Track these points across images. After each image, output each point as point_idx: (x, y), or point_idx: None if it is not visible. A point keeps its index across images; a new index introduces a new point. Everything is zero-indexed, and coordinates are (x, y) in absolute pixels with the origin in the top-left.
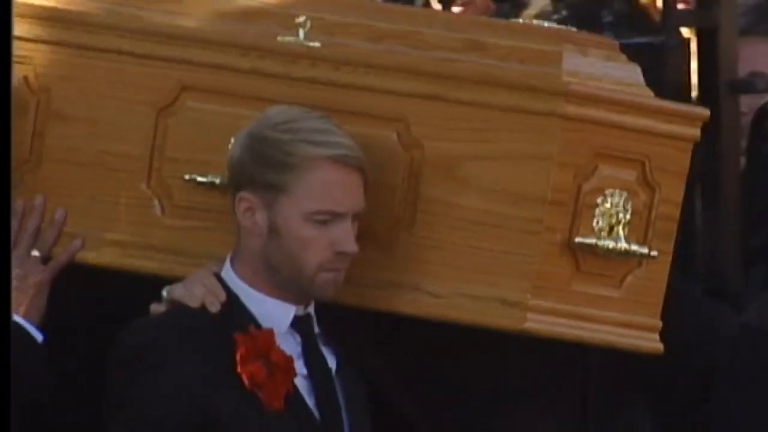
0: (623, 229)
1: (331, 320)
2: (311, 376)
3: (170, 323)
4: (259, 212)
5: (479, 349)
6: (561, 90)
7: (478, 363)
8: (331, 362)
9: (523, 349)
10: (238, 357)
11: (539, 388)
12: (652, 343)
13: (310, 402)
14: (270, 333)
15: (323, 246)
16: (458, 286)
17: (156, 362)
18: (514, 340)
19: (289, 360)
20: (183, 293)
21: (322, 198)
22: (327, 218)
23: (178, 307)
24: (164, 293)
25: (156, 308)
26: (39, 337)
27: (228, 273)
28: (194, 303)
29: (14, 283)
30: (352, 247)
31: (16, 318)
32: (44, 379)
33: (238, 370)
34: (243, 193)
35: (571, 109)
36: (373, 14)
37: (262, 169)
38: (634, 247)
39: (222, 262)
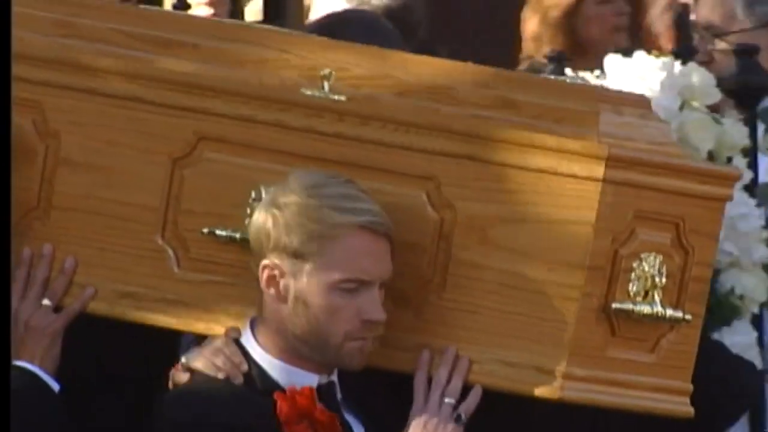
0: (659, 293)
1: (354, 386)
2: None
3: (208, 398)
4: (284, 280)
5: (499, 407)
6: (601, 154)
7: (497, 421)
8: (357, 429)
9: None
10: (282, 418)
11: None
12: (683, 407)
13: None
14: (310, 391)
15: (350, 315)
16: (491, 351)
17: None
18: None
19: (333, 418)
20: (205, 364)
21: (349, 266)
22: (354, 286)
23: (203, 378)
24: (184, 360)
25: (178, 376)
26: (55, 386)
27: (249, 341)
28: (218, 374)
29: (25, 332)
30: (379, 315)
31: (32, 367)
32: (62, 428)
33: (284, 431)
34: (267, 261)
35: (610, 174)
36: (400, 67)
37: (286, 237)
38: (670, 312)
39: (241, 320)
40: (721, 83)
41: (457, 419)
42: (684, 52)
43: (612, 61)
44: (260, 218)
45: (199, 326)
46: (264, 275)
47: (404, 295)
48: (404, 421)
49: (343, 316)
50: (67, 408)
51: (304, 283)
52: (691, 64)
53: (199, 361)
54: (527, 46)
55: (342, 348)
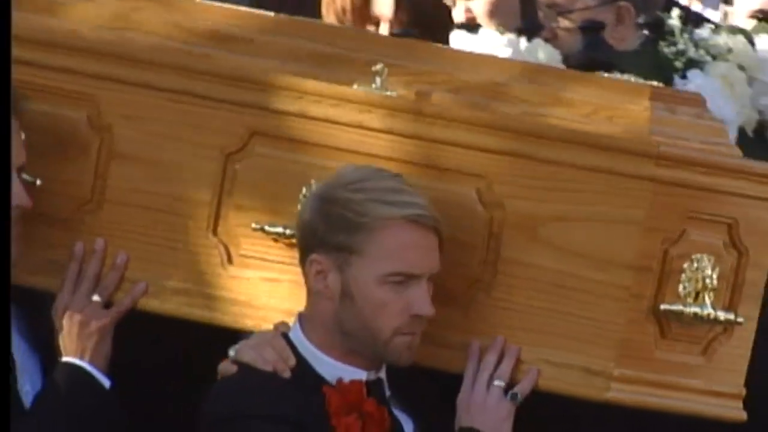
0: (710, 294)
1: (403, 383)
2: None
3: (250, 390)
4: (331, 275)
5: (543, 406)
6: (652, 153)
7: (542, 418)
8: (407, 426)
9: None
10: (331, 410)
11: None
12: (736, 412)
13: None
14: (360, 384)
15: (399, 309)
16: (539, 351)
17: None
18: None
19: (383, 411)
20: (253, 357)
21: (396, 259)
22: (402, 280)
23: (250, 371)
24: (231, 353)
25: (226, 369)
26: (106, 382)
27: (297, 335)
28: (266, 367)
29: (76, 328)
30: (428, 310)
31: (82, 363)
32: (114, 424)
33: (333, 422)
34: (314, 256)
35: (662, 172)
36: (453, 63)
37: (333, 230)
38: (721, 314)
39: (291, 317)
40: (567, 60)
41: (513, 398)
42: (529, 28)
43: (458, 37)
44: (307, 213)
45: (249, 323)
46: (312, 270)
47: (452, 294)
48: (453, 419)
49: (391, 311)
50: (118, 404)
51: (352, 277)
52: (537, 41)
53: (247, 354)
54: None
55: (390, 343)
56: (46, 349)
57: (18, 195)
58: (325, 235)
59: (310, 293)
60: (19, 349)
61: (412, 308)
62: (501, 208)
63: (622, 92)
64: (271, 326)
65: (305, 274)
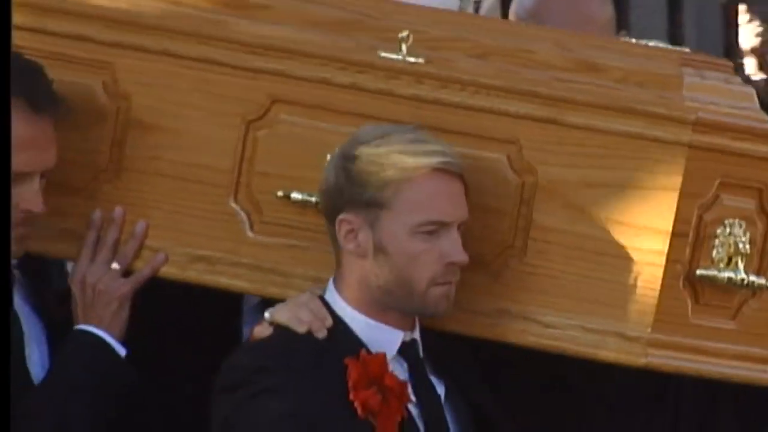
0: (742, 259)
1: (435, 346)
2: (420, 403)
3: (279, 348)
4: (362, 233)
5: (576, 374)
6: (688, 119)
7: (574, 387)
8: (439, 389)
9: (617, 374)
10: (350, 383)
11: (634, 411)
12: (765, 375)
13: (420, 429)
14: (382, 357)
15: (433, 259)
16: (573, 317)
17: (267, 386)
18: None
19: (403, 385)
20: (288, 317)
21: (426, 209)
22: (433, 229)
23: (284, 332)
24: (267, 315)
25: (260, 331)
26: (122, 351)
27: (333, 296)
28: (301, 328)
29: (94, 296)
30: (462, 257)
31: (99, 332)
32: (129, 393)
33: (351, 397)
34: (343, 216)
35: (698, 138)
36: (477, 29)
37: (360, 187)
38: (753, 278)
39: (317, 283)
40: None
41: None
42: None
43: None
44: (332, 174)
45: (273, 290)
46: (341, 230)
47: (484, 260)
48: (483, 381)
49: (425, 261)
50: (134, 372)
51: (383, 231)
52: None
53: (283, 315)
54: None
55: (427, 294)
56: (50, 317)
57: (33, 201)
58: (352, 193)
59: (342, 254)
60: (27, 318)
61: (445, 257)
62: (532, 173)
63: (651, 58)
64: (296, 293)
65: (334, 236)
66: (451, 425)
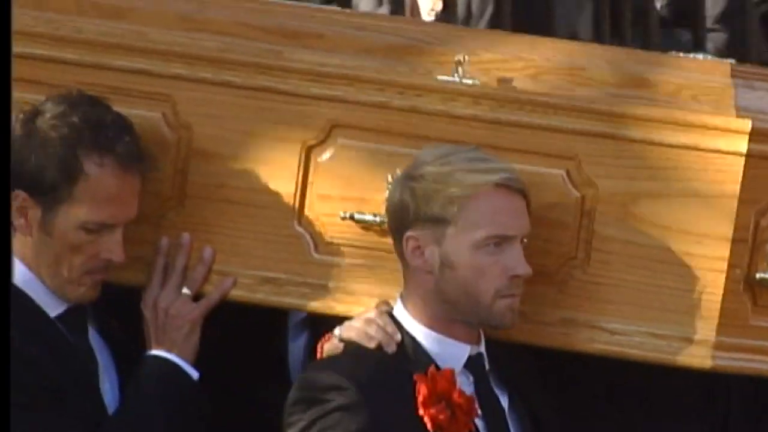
0: None
1: (500, 357)
2: (485, 416)
3: (350, 365)
4: (428, 249)
5: (629, 379)
6: (744, 129)
7: (629, 392)
8: (503, 400)
9: (670, 377)
10: (419, 399)
11: (686, 414)
12: None
13: None
14: (450, 374)
15: (498, 272)
16: (638, 324)
17: (340, 404)
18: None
19: (471, 400)
20: (358, 334)
21: (491, 224)
22: (497, 242)
23: (354, 348)
24: (337, 332)
25: (332, 348)
26: (194, 374)
27: (401, 312)
28: (371, 344)
29: (166, 321)
30: (525, 269)
31: (170, 356)
32: (203, 415)
33: (420, 412)
34: (409, 233)
35: (753, 147)
36: (530, 49)
37: (425, 205)
38: None
39: (381, 299)
40: None
41: None
42: None
43: None
44: (397, 194)
45: (340, 309)
46: (409, 247)
47: (547, 272)
48: (547, 392)
49: (491, 274)
50: (206, 395)
51: (449, 247)
52: None
53: (352, 331)
54: None
55: (493, 306)
56: (116, 345)
57: (115, 252)
58: (418, 211)
59: (408, 271)
60: (99, 348)
61: (509, 270)
62: (593, 187)
63: (702, 71)
64: (362, 311)
65: (401, 253)
66: None
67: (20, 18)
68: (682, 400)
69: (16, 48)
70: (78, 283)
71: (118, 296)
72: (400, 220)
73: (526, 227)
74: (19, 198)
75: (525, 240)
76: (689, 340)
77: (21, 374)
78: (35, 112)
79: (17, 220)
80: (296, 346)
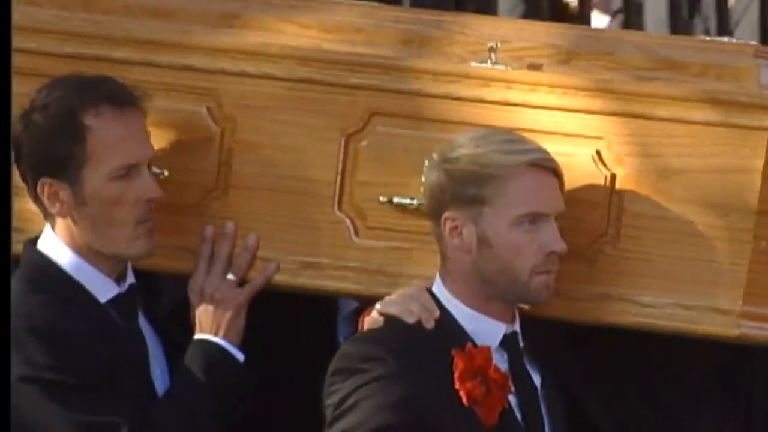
0: None
1: (533, 336)
2: (518, 394)
3: (390, 338)
4: (466, 228)
5: (658, 356)
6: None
7: (658, 369)
8: (536, 378)
9: (697, 354)
10: (456, 374)
11: (710, 391)
12: None
13: (518, 418)
14: (487, 350)
15: (534, 249)
16: (668, 296)
17: (380, 374)
18: (688, 345)
19: (506, 377)
20: (399, 309)
21: (526, 202)
22: (532, 220)
23: (394, 323)
24: (378, 306)
25: (373, 322)
26: (240, 356)
27: (440, 290)
28: (411, 319)
29: (212, 306)
30: (561, 246)
31: (216, 339)
32: (249, 396)
33: (457, 386)
34: (447, 214)
35: None
36: (559, 37)
37: (462, 186)
38: None
39: (421, 281)
40: None
41: None
42: None
43: None
44: (434, 176)
45: (380, 290)
46: (447, 228)
47: (579, 249)
48: (580, 369)
49: (527, 251)
50: (252, 376)
51: (486, 226)
52: None
53: (393, 306)
54: None
55: (530, 283)
56: (164, 332)
57: (150, 188)
58: (455, 192)
59: (447, 250)
60: (148, 333)
61: (545, 247)
62: (621, 165)
63: (726, 53)
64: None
65: (439, 234)
66: (545, 414)
67: (70, 20)
68: (708, 389)
69: (67, 49)
70: (133, 236)
71: (163, 284)
72: (438, 201)
73: (560, 205)
74: (45, 186)
75: (559, 219)
76: (717, 310)
77: (74, 357)
78: (25, 110)
79: (52, 208)
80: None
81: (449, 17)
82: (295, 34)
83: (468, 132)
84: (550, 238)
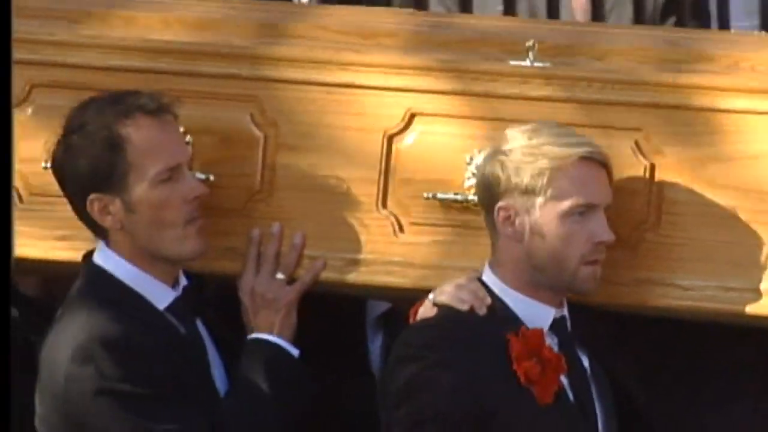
0: None
1: (581, 321)
2: (569, 374)
3: (446, 325)
4: (519, 218)
5: (701, 346)
6: None
7: (701, 359)
8: (584, 362)
9: (739, 343)
10: (513, 355)
11: (751, 381)
12: None
13: (571, 399)
14: (540, 332)
15: (583, 239)
16: (709, 278)
17: (438, 360)
18: (731, 335)
19: (560, 357)
20: (452, 298)
21: (577, 193)
22: (583, 211)
23: (448, 311)
24: (431, 296)
25: (426, 311)
26: (295, 352)
27: (490, 278)
28: (463, 307)
29: (264, 305)
30: (609, 236)
31: (271, 338)
32: (307, 391)
33: (514, 367)
34: (501, 204)
35: None
36: (593, 35)
37: (515, 177)
38: None
39: (465, 273)
40: None
41: None
42: None
43: None
44: (487, 167)
45: (426, 284)
46: (500, 217)
47: (621, 236)
48: (624, 354)
49: (577, 241)
50: (307, 370)
51: (538, 216)
52: None
53: (445, 295)
54: None
55: (578, 272)
56: (217, 333)
57: (194, 187)
58: (508, 183)
59: (499, 240)
60: (206, 337)
61: (594, 236)
62: (660, 155)
63: (758, 45)
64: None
65: (491, 224)
66: (595, 395)
67: (113, 33)
68: (748, 369)
69: (113, 61)
70: (183, 236)
71: (212, 286)
72: (491, 192)
73: (608, 197)
74: (95, 202)
75: (608, 210)
76: (758, 291)
77: (146, 367)
78: (61, 136)
79: (104, 222)
80: (375, 347)
81: (485, 20)
82: (333, 41)
83: (517, 128)
84: (600, 228)
